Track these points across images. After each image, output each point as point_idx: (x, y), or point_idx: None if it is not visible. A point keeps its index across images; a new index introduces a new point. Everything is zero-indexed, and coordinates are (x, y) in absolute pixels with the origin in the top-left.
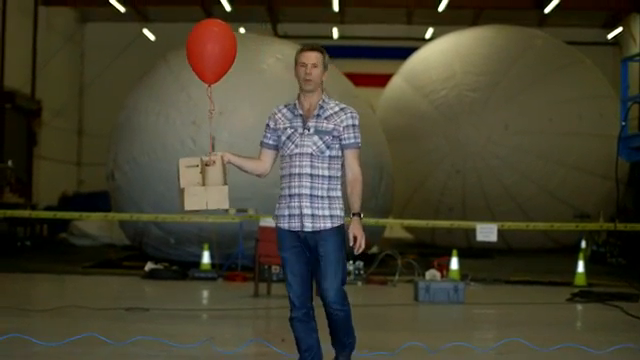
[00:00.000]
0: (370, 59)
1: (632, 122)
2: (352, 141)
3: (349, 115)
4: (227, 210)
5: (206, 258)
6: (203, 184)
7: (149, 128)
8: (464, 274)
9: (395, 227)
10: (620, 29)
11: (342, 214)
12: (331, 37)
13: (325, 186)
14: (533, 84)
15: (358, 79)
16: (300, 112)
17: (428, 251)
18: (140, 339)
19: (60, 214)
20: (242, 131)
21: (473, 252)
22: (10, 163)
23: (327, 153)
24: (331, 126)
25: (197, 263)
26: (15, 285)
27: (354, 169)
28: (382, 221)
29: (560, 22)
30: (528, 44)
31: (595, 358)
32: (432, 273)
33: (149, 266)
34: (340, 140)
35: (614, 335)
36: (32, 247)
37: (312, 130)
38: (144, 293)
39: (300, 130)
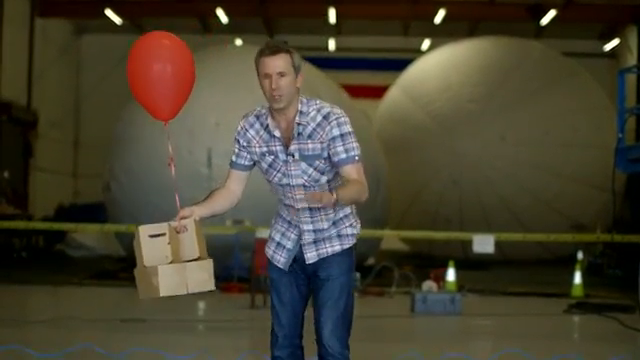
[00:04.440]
0: (367, 71)
1: (629, 134)
2: (343, 157)
3: (334, 123)
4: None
5: None
6: (175, 259)
7: (145, 139)
8: (461, 285)
9: (392, 238)
10: (617, 41)
11: (354, 231)
12: (328, 49)
13: (330, 215)
14: (530, 95)
15: (355, 91)
16: (277, 134)
17: (425, 262)
18: (136, 350)
19: (56, 225)
20: None
21: (470, 263)
22: (6, 174)
23: (324, 179)
24: (318, 145)
25: None
26: (11, 296)
27: (356, 178)
28: (379, 232)
29: (556, 34)
30: (524, 56)
31: None
32: (429, 284)
33: None
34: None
35: (611, 346)
36: (28, 258)
37: (297, 155)
38: (140, 304)
39: (282, 156)
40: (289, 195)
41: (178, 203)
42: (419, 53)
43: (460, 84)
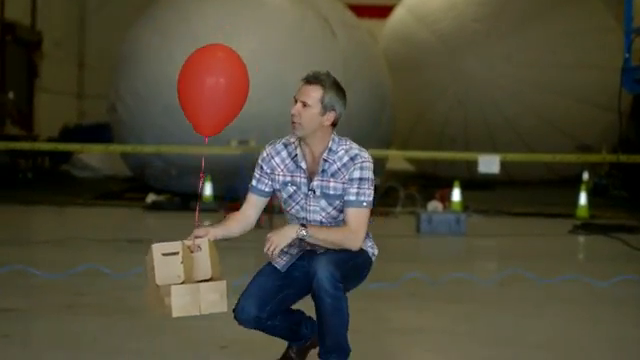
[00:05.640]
0: None
1: (636, 54)
2: (352, 198)
3: (358, 165)
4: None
5: (208, 190)
6: (187, 278)
7: (151, 61)
8: (466, 205)
9: (397, 158)
10: None
11: (371, 250)
12: None
13: None
14: (536, 16)
15: (360, 10)
16: (303, 166)
17: (430, 182)
18: (141, 271)
19: (62, 146)
20: (245, 56)
21: (475, 183)
22: (11, 95)
23: (341, 217)
24: (340, 185)
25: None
26: (16, 217)
27: (351, 225)
28: (384, 152)
29: None
30: None
31: (597, 289)
32: (434, 205)
33: (151, 198)
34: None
35: (616, 267)
36: (34, 179)
37: (318, 192)
38: (146, 225)
39: (304, 189)
40: None
41: (197, 218)
42: None
43: (465, 3)
